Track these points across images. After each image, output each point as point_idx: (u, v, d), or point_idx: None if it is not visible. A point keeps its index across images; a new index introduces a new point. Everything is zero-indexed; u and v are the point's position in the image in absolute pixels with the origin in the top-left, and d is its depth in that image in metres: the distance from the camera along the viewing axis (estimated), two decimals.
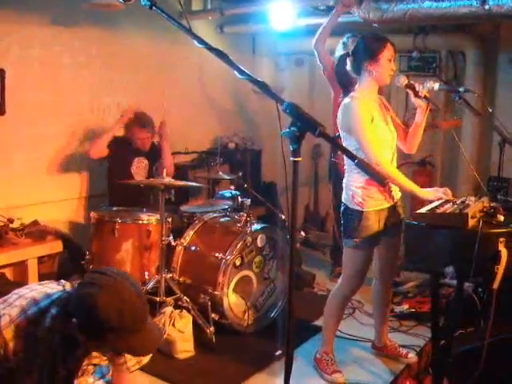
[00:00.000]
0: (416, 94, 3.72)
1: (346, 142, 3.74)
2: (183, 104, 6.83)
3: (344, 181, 3.86)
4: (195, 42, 2.10)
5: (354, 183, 3.72)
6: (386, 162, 3.62)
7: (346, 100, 3.70)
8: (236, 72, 1.98)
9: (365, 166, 1.80)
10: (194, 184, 5.23)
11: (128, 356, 2.54)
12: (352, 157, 1.77)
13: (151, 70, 6.34)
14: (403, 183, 3.66)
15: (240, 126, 7.53)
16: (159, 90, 6.14)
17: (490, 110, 4.38)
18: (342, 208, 3.85)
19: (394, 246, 3.96)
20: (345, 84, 3.94)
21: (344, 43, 5.27)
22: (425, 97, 3.71)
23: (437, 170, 6.99)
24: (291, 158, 1.85)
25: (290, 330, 2.08)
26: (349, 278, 3.94)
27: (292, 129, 1.81)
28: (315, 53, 5.35)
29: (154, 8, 2.19)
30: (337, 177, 5.18)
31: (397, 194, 3.84)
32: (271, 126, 7.24)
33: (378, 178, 1.77)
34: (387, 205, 3.77)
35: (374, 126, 3.63)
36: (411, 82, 3.75)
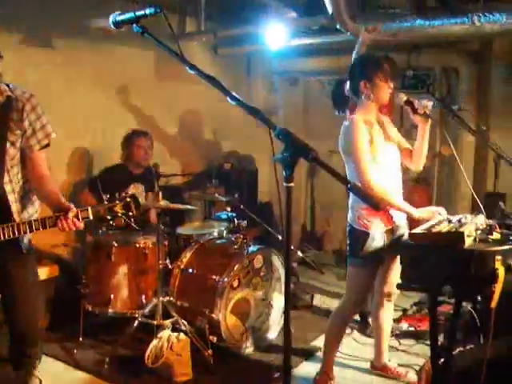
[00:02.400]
0: (415, 111, 3.73)
1: (347, 166, 3.77)
2: (179, 124, 6.86)
3: (349, 202, 3.86)
4: (187, 68, 2.10)
5: (359, 204, 3.72)
6: (378, 185, 3.60)
7: (345, 123, 3.71)
8: (228, 98, 1.98)
9: (358, 191, 1.80)
10: (188, 207, 5.20)
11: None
12: (345, 181, 1.77)
13: (146, 92, 6.37)
14: (397, 205, 3.68)
15: (236, 146, 7.54)
16: (154, 111, 6.17)
17: (484, 128, 4.40)
18: (348, 228, 3.86)
19: (396, 264, 3.95)
20: (341, 108, 3.93)
21: None
22: (424, 113, 3.72)
23: (433, 188, 7.00)
24: (284, 184, 1.85)
25: (288, 352, 2.06)
26: (352, 298, 3.93)
27: (285, 154, 1.81)
28: None
29: (145, 34, 2.21)
30: None
31: (400, 215, 3.83)
32: (267, 145, 7.27)
33: (372, 203, 1.77)
34: (390, 226, 3.78)
35: (373, 149, 3.64)
36: (410, 99, 3.76)
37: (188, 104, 6.86)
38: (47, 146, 3.28)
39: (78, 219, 3.08)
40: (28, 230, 3.10)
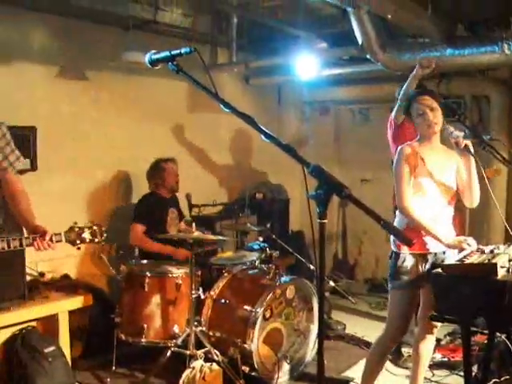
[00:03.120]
0: (457, 145, 3.75)
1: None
2: (211, 154, 6.93)
3: None
4: (221, 106, 2.14)
5: (398, 227, 3.74)
6: (411, 208, 3.64)
7: (399, 148, 3.83)
8: (262, 136, 2.01)
9: (390, 227, 1.82)
10: (220, 238, 5.25)
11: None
12: (377, 218, 1.79)
13: (178, 121, 6.46)
14: (427, 229, 3.66)
15: (268, 175, 7.59)
16: (186, 141, 6.24)
17: None
18: (389, 253, 3.90)
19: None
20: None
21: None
22: (465, 146, 3.72)
23: (465, 215, 6.95)
24: (318, 220, 1.87)
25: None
26: (392, 324, 3.90)
27: (318, 192, 1.84)
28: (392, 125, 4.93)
29: (180, 73, 2.26)
30: None
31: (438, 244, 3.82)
32: (298, 173, 7.30)
33: (404, 239, 1.79)
34: (423, 252, 3.77)
35: (415, 182, 3.72)
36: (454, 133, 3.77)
37: (220, 134, 6.93)
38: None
39: (52, 241, 3.41)
40: (6, 247, 3.31)
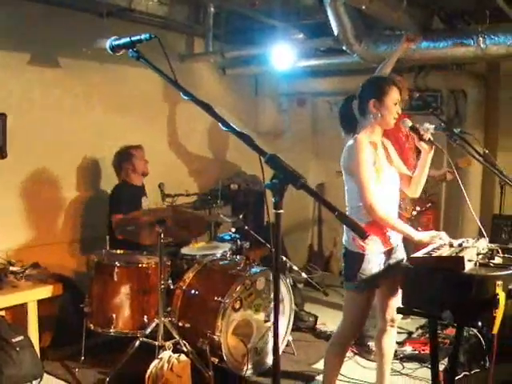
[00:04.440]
0: (420, 138, 3.71)
1: (347, 185, 3.76)
2: (185, 144, 6.88)
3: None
4: (181, 93, 2.10)
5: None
6: (380, 206, 3.55)
7: (350, 142, 3.68)
8: (220, 124, 1.98)
9: (345, 219, 1.80)
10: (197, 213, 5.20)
11: None
12: (333, 209, 1.76)
13: (152, 110, 6.40)
14: (398, 227, 3.65)
15: (243, 166, 7.55)
16: (161, 131, 6.19)
17: (486, 151, 4.38)
18: (343, 251, 3.82)
19: (395, 288, 3.92)
20: (349, 128, 3.90)
21: None
22: (429, 140, 3.70)
23: (440, 209, 6.97)
24: (273, 211, 1.84)
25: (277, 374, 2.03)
26: (349, 324, 3.87)
27: (274, 181, 1.81)
28: None
29: (141, 60, 2.22)
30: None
31: (397, 237, 3.82)
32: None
33: (359, 231, 1.76)
34: (387, 248, 3.75)
35: (376, 170, 3.63)
36: (416, 125, 3.74)
37: (194, 124, 6.88)
38: None
39: None
40: None
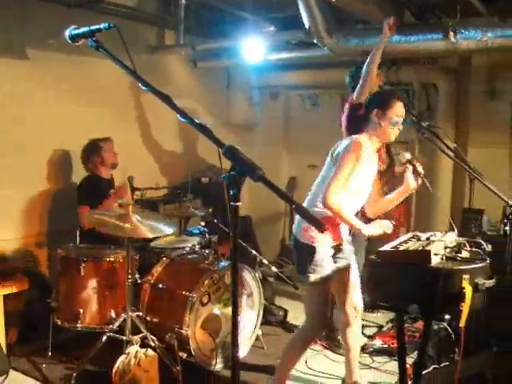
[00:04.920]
0: (414, 171, 3.77)
1: (326, 173, 3.78)
2: (155, 136, 6.82)
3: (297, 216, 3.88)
4: (140, 84, 2.06)
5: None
6: (336, 200, 3.56)
7: (353, 137, 3.72)
8: (179, 115, 1.94)
9: (302, 211, 1.77)
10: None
11: None
12: (291, 201, 1.74)
13: (122, 102, 6.33)
14: (348, 219, 3.63)
15: (215, 159, 7.49)
16: (130, 123, 6.13)
17: (455, 145, 4.39)
18: (292, 242, 3.87)
19: (352, 280, 3.95)
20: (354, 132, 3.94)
21: (351, 76, 5.15)
22: (422, 175, 3.77)
23: (411, 203, 6.98)
24: (231, 203, 1.81)
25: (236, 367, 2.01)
26: (311, 318, 3.90)
27: (231, 173, 1.78)
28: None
29: (100, 50, 2.17)
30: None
31: (346, 232, 3.87)
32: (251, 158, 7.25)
33: (316, 224, 1.74)
34: (337, 242, 3.79)
35: (359, 169, 3.65)
36: (414, 161, 3.81)
37: (164, 115, 6.80)
38: None
39: None
40: None
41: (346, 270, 3.91)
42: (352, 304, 4.00)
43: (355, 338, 4.17)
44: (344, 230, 3.81)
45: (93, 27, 2.19)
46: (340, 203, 3.57)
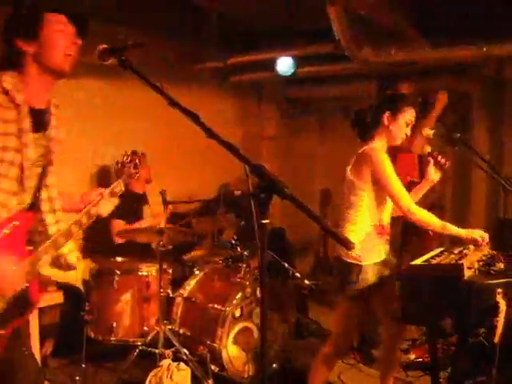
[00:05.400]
0: (437, 163, 3.77)
1: (353, 191, 3.70)
2: (187, 150, 6.85)
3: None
4: (168, 102, 2.07)
5: (353, 236, 3.65)
6: (419, 208, 3.55)
7: (367, 149, 3.68)
8: (205, 133, 1.95)
9: (330, 231, 1.76)
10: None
11: None
12: (318, 221, 1.74)
13: (153, 116, 6.37)
14: (442, 227, 3.57)
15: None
16: (163, 138, 6.16)
17: (488, 158, 4.34)
18: (337, 262, 3.77)
19: (392, 298, 3.88)
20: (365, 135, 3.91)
21: None
22: (444, 165, 3.78)
23: (446, 213, 6.91)
24: (260, 221, 1.81)
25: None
26: (340, 335, 3.84)
27: (259, 191, 1.78)
28: None
29: (128, 68, 2.19)
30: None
31: (387, 248, 3.80)
32: (280, 169, 7.25)
33: (345, 243, 1.73)
34: (383, 257, 3.73)
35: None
36: (435, 153, 3.81)
37: (196, 129, 6.83)
38: None
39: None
40: None
41: (389, 287, 3.84)
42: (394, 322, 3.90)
43: (396, 353, 4.08)
44: (385, 248, 3.76)
45: (121, 45, 2.20)
46: (426, 212, 3.57)
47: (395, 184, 3.55)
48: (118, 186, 3.04)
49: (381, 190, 3.60)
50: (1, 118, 2.32)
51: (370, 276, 3.64)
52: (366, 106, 3.98)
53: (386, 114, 3.69)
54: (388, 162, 3.59)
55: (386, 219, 3.76)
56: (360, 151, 3.70)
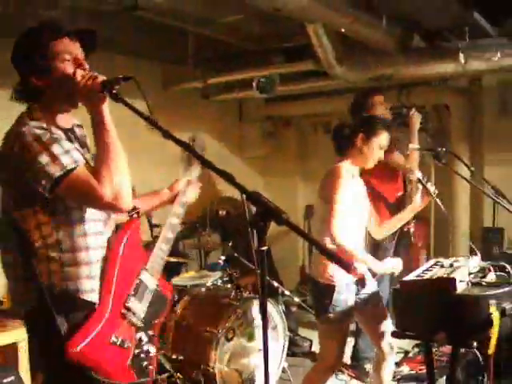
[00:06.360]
0: (425, 191, 3.79)
1: (319, 212, 3.74)
2: (170, 171, 6.82)
3: (313, 255, 3.92)
4: (161, 134, 2.04)
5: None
6: (343, 239, 3.49)
7: (334, 166, 3.69)
8: (201, 163, 1.97)
9: (329, 254, 1.76)
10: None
11: None
12: (315, 244, 1.74)
13: (139, 140, 6.35)
14: (361, 259, 3.60)
15: (232, 190, 7.48)
16: (145, 160, 6.16)
17: (473, 169, 4.37)
18: (312, 284, 3.78)
19: (380, 315, 3.87)
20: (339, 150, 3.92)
21: None
22: (435, 196, 3.78)
23: (430, 225, 6.95)
24: (258, 248, 1.81)
25: None
26: (326, 358, 3.83)
27: (256, 218, 1.78)
28: None
29: (119, 101, 2.18)
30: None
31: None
32: (265, 190, 7.26)
33: (344, 266, 1.73)
34: (358, 277, 3.72)
35: (352, 203, 3.63)
36: (424, 179, 3.83)
37: (177, 149, 6.82)
38: None
39: None
40: None
41: (375, 305, 3.84)
42: (386, 338, 3.89)
43: (389, 371, 4.07)
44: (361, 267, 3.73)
45: (111, 79, 2.19)
46: (348, 244, 3.52)
47: (336, 210, 3.50)
48: (197, 170, 3.28)
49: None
50: (65, 150, 2.27)
51: (343, 297, 3.63)
52: (347, 121, 4.01)
53: (360, 136, 3.70)
54: (345, 183, 3.57)
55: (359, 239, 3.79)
56: (329, 168, 3.72)
